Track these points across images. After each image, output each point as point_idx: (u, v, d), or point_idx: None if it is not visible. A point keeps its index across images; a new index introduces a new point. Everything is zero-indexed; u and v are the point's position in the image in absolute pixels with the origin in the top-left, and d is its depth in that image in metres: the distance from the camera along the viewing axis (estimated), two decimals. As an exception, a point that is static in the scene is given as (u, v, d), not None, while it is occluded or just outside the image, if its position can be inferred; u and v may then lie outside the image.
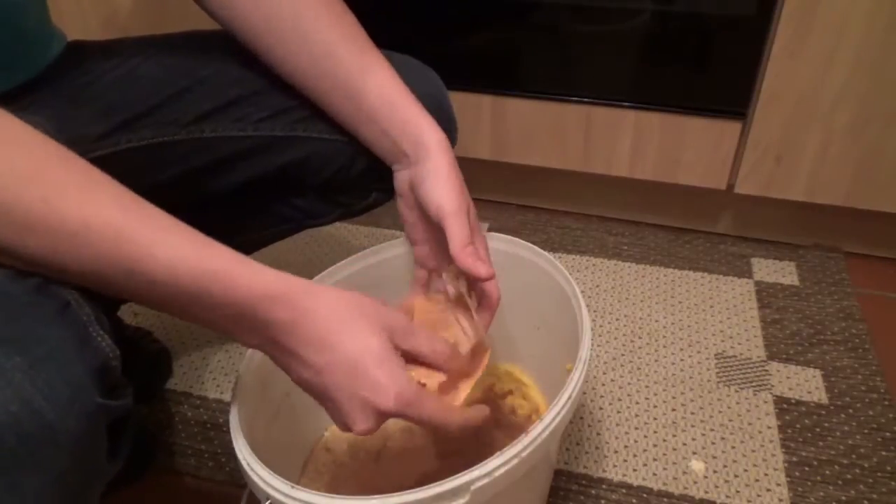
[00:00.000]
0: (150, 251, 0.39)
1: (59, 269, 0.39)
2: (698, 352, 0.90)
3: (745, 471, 0.74)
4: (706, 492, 0.73)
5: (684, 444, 0.78)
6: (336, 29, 0.58)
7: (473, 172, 1.17)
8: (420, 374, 0.49)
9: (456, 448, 0.73)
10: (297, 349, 0.44)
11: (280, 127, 0.63)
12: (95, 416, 0.38)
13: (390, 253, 0.70)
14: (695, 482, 0.74)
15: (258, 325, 0.43)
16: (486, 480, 0.46)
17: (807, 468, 0.75)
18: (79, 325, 0.39)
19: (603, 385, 0.86)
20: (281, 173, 0.65)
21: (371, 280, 0.68)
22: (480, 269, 0.53)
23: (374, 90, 0.57)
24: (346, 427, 0.46)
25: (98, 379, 0.38)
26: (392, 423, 0.75)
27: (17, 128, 0.38)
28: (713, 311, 0.96)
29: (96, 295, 0.42)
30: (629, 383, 0.86)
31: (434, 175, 0.55)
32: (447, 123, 0.69)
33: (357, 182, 0.67)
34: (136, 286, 0.40)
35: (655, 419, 0.81)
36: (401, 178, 0.59)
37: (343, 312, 0.45)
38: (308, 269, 0.93)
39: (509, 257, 0.69)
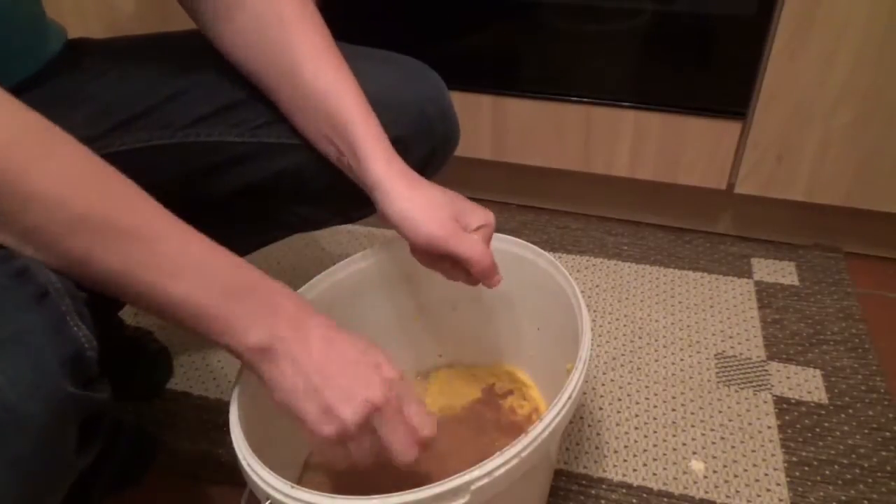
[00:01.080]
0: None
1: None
2: (698, 352, 0.90)
3: (745, 471, 0.75)
4: (706, 492, 0.73)
5: (684, 444, 0.78)
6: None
7: (473, 172, 1.18)
8: None
9: (455, 448, 0.73)
10: (297, 343, 0.46)
11: (276, 134, 0.62)
12: (63, 404, 0.37)
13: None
14: (695, 482, 0.74)
15: (271, 312, 0.46)
16: (486, 480, 0.46)
17: (807, 468, 0.75)
18: (55, 313, 0.38)
19: (603, 385, 0.86)
20: (277, 180, 0.65)
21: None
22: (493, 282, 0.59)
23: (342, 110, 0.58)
24: (330, 420, 0.46)
25: (70, 368, 0.38)
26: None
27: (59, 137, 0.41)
28: (713, 311, 0.96)
29: (96, 296, 0.42)
30: (629, 383, 0.86)
31: (404, 216, 0.56)
32: (449, 126, 0.69)
33: (355, 190, 0.67)
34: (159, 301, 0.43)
35: (655, 419, 0.81)
36: (380, 212, 0.59)
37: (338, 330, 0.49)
38: (305, 270, 0.94)
39: (509, 257, 0.69)
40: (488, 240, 0.59)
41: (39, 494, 0.39)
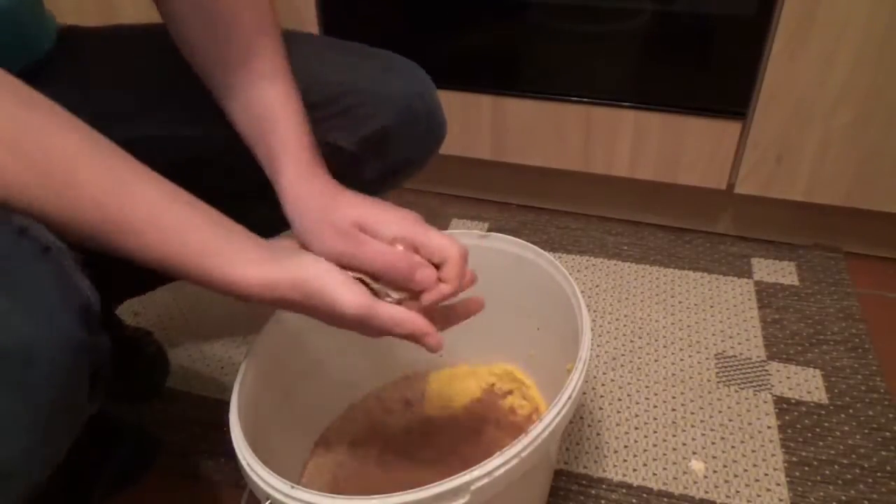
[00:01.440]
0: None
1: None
2: (698, 352, 0.90)
3: (745, 471, 0.75)
4: (706, 492, 0.73)
5: (684, 444, 0.78)
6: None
7: (473, 172, 1.18)
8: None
9: (455, 448, 0.73)
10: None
11: None
12: (80, 350, 0.38)
13: None
14: (695, 482, 0.74)
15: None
16: (486, 480, 0.46)
17: (807, 468, 0.75)
18: (59, 267, 0.39)
19: (603, 385, 0.86)
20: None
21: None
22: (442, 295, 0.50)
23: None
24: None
25: (80, 316, 0.38)
26: (392, 423, 0.76)
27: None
28: (713, 311, 0.96)
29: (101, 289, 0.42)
30: (629, 383, 0.86)
31: (299, 227, 0.52)
32: (434, 122, 0.69)
33: (362, 188, 0.66)
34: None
35: (655, 419, 0.81)
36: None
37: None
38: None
39: (509, 257, 0.69)
40: (417, 243, 0.50)
41: (59, 442, 0.39)
